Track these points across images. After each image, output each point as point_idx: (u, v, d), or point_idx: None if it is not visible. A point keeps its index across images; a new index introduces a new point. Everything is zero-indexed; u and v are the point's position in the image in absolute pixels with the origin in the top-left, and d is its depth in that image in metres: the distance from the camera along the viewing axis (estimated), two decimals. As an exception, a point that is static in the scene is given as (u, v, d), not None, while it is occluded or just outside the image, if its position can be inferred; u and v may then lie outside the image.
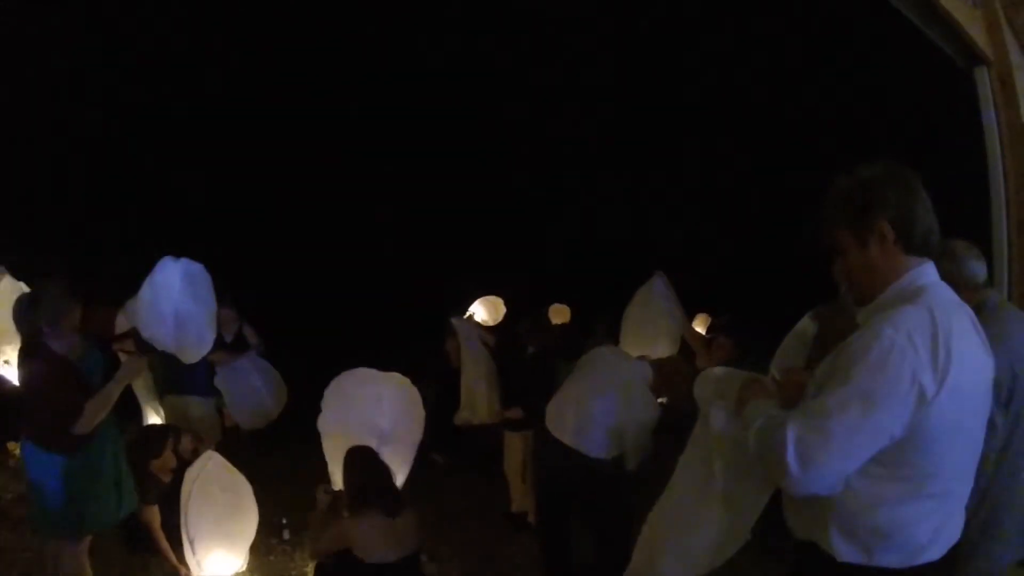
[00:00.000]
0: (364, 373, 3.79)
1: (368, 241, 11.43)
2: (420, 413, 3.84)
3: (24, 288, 4.06)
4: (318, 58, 10.95)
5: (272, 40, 10.73)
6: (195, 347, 3.69)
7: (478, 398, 4.90)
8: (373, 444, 3.52)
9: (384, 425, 3.66)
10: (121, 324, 4.24)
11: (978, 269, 2.40)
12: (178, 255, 3.71)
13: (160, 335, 3.53)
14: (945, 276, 1.73)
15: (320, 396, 3.76)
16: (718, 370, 2.11)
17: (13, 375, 3.90)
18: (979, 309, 2.15)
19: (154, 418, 4.95)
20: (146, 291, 3.51)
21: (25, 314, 3.24)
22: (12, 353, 3.99)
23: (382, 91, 11.49)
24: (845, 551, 1.65)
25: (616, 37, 10.89)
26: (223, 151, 10.46)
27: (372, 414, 3.66)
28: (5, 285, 4.14)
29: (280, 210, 11.11)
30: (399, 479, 3.61)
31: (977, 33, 3.27)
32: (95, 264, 7.57)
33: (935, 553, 1.64)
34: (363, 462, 3.35)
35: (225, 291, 4.13)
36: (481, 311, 6.02)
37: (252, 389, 5.14)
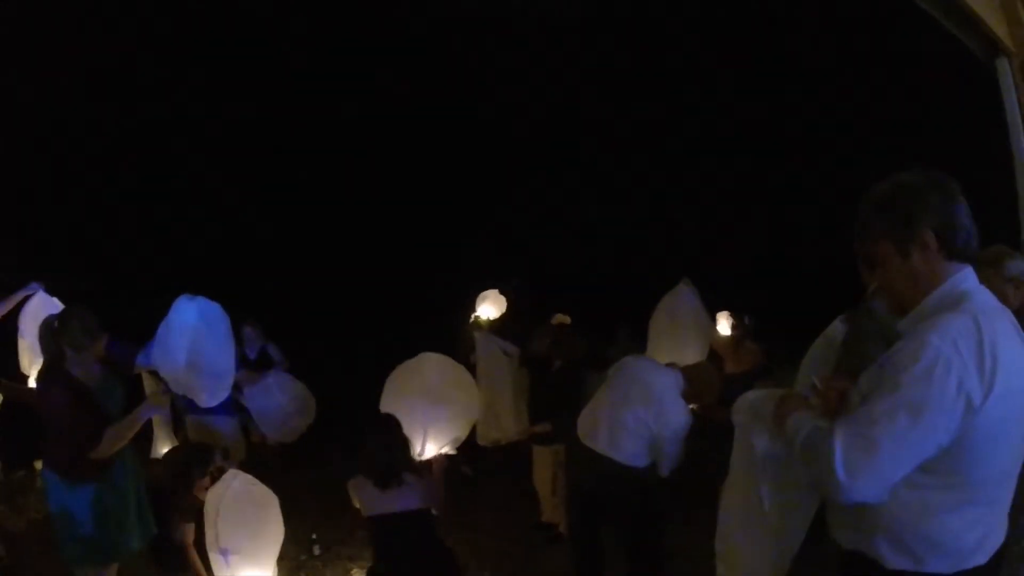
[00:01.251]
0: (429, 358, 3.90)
1: (376, 250, 11.51)
2: (474, 406, 3.96)
3: (58, 305, 4.14)
4: (325, 69, 11.10)
5: (272, 49, 10.87)
6: (210, 390, 3.56)
7: (503, 414, 4.86)
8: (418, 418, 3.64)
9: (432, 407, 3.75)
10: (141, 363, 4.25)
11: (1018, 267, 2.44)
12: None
13: (173, 376, 3.42)
14: (983, 280, 1.74)
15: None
16: (751, 394, 2.12)
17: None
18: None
19: (165, 444, 5.04)
20: (161, 330, 3.41)
21: (50, 336, 3.28)
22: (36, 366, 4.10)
23: (383, 95, 11.58)
24: (893, 559, 1.69)
25: (632, 33, 10.90)
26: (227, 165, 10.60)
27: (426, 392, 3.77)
28: (38, 302, 4.21)
29: (288, 223, 11.24)
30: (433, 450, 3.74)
31: (997, 24, 3.27)
32: (126, 294, 7.69)
33: (982, 558, 1.67)
34: (379, 430, 3.44)
35: (248, 310, 4.20)
36: (488, 309, 6.00)
37: (278, 406, 5.19)
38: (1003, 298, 1.97)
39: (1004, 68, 3.31)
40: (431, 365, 3.87)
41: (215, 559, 3.59)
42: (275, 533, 3.78)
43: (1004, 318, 1.67)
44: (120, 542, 3.36)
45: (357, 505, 3.45)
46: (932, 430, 1.53)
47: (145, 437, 4.72)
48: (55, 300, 4.24)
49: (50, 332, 3.30)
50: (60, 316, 3.36)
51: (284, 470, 5.07)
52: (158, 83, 10.17)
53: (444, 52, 11.33)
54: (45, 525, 4.64)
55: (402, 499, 3.32)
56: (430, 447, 3.71)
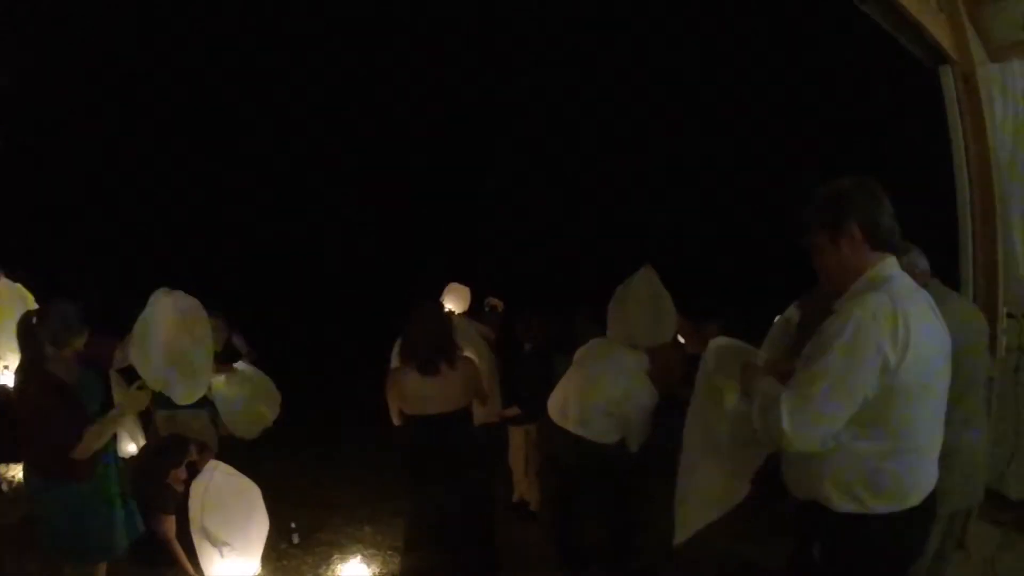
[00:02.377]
0: None
1: (342, 240, 11.48)
2: None
3: (21, 290, 4.05)
4: (302, 63, 10.97)
5: (257, 45, 10.70)
6: (188, 387, 3.46)
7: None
8: None
9: None
10: (118, 359, 4.19)
11: (923, 262, 2.85)
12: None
13: (149, 372, 3.30)
14: (905, 268, 2.14)
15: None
16: (720, 340, 2.58)
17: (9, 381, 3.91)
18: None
19: (130, 443, 4.99)
20: (138, 325, 3.29)
21: (30, 331, 3.20)
22: (10, 358, 4.00)
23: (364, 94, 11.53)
24: (840, 503, 2.04)
25: (601, 31, 11.11)
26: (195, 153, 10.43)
27: None
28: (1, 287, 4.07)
29: (251, 214, 11.10)
30: None
31: (941, 33, 3.54)
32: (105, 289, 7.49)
33: (916, 500, 2.04)
34: (422, 319, 3.53)
35: (214, 301, 4.15)
36: (451, 300, 6.11)
37: (244, 399, 5.11)
38: None
39: (947, 75, 3.60)
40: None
41: (204, 551, 3.66)
42: (259, 522, 3.85)
43: (919, 297, 2.07)
44: (107, 542, 3.32)
45: (395, 405, 3.53)
46: (858, 385, 1.91)
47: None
48: (17, 285, 4.12)
49: (29, 327, 3.20)
50: (40, 311, 3.26)
51: (254, 461, 5.07)
52: (134, 77, 9.87)
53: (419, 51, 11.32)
54: (17, 531, 4.62)
55: (449, 388, 3.43)
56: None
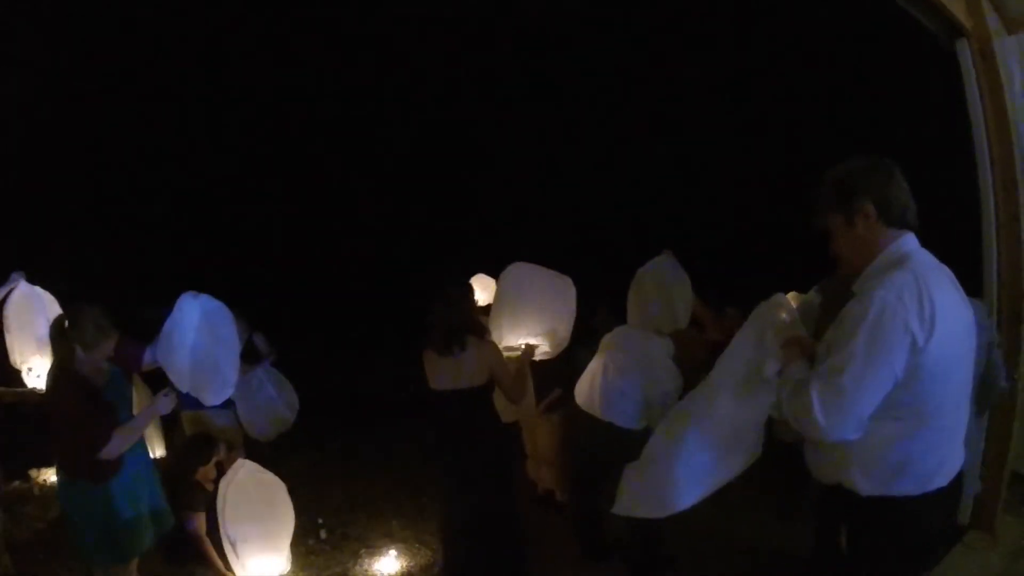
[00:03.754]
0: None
1: (354, 239, 11.58)
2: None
3: (42, 295, 4.13)
4: (311, 63, 11.07)
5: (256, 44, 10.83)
6: (215, 389, 3.51)
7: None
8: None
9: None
10: (147, 362, 4.26)
11: None
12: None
13: (176, 374, 3.40)
14: None
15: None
16: (779, 298, 2.42)
17: (37, 384, 4.01)
18: None
19: (156, 442, 5.09)
20: (166, 328, 3.39)
21: (62, 334, 3.27)
22: (34, 361, 4.10)
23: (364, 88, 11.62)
24: (867, 486, 2.02)
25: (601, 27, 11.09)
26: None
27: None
28: (21, 293, 4.12)
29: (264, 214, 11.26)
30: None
31: (957, 7, 3.50)
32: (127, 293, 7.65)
33: (942, 480, 2.02)
34: (448, 301, 3.64)
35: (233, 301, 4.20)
36: (479, 291, 6.11)
37: (268, 399, 5.20)
38: None
39: (964, 50, 3.56)
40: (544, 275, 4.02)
41: (228, 548, 3.76)
42: (286, 519, 3.93)
43: (942, 273, 2.04)
44: (136, 540, 3.40)
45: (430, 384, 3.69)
46: (887, 366, 1.88)
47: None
48: (38, 289, 4.18)
49: (61, 330, 3.27)
50: (71, 314, 3.31)
51: (279, 458, 5.17)
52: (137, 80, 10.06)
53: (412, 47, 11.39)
54: (48, 533, 4.75)
55: (465, 367, 3.55)
56: (515, 335, 3.90)
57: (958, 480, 2.07)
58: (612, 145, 12.15)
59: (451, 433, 3.69)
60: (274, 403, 5.23)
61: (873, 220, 2.04)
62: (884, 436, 1.96)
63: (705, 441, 2.35)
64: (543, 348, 3.94)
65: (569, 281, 4.01)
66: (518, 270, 4.00)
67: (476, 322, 3.73)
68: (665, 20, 10.65)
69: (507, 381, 3.67)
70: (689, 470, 2.37)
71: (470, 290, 3.85)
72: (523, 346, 3.88)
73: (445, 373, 3.60)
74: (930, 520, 2.06)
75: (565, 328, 3.97)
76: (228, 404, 5.04)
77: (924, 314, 1.87)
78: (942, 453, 2.02)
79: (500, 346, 3.81)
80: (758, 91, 10.64)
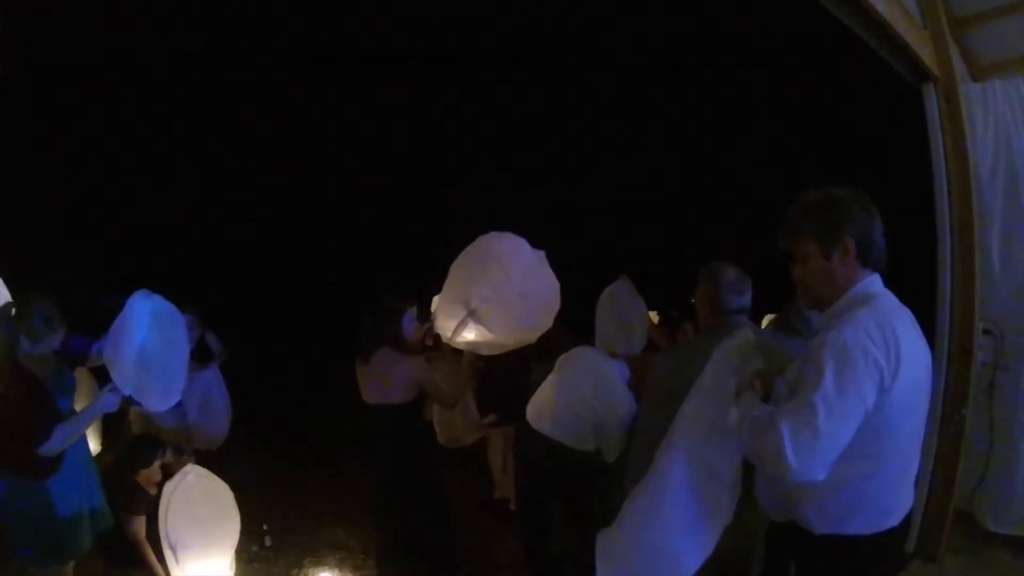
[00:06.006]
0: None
1: (306, 241, 11.53)
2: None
3: None
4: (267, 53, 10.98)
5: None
6: (159, 394, 3.39)
7: (455, 416, 4.88)
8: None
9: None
10: (92, 358, 3.96)
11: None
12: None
13: (120, 375, 3.24)
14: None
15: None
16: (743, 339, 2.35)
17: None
18: None
19: (94, 442, 4.92)
20: (115, 326, 3.24)
21: (7, 323, 3.14)
22: None
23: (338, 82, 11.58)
24: (820, 524, 2.05)
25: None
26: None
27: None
28: None
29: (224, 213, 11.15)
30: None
31: (925, 52, 3.66)
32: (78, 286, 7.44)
33: (895, 520, 2.06)
34: (369, 311, 3.64)
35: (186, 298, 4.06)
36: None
37: (213, 405, 5.04)
38: None
39: (930, 93, 3.73)
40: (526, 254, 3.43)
41: (168, 554, 3.67)
42: (231, 526, 3.88)
43: (904, 316, 2.05)
44: (75, 540, 3.30)
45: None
46: (860, 403, 1.87)
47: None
48: None
49: (5, 319, 3.14)
50: (19, 302, 3.20)
51: (225, 463, 5.06)
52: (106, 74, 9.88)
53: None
54: None
55: (391, 381, 3.52)
56: (469, 330, 3.36)
57: (906, 522, 2.12)
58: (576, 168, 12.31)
59: (379, 448, 3.70)
60: (217, 409, 5.07)
61: (851, 257, 2.01)
62: (842, 476, 1.93)
63: (691, 495, 2.25)
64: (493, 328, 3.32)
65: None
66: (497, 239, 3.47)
67: (399, 334, 3.59)
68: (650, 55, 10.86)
69: (437, 393, 3.69)
70: (686, 528, 2.27)
71: (406, 306, 3.63)
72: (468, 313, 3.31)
73: (372, 385, 3.61)
74: (882, 557, 2.09)
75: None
76: (179, 404, 4.91)
77: (890, 353, 1.88)
78: (897, 493, 2.06)
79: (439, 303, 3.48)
80: (731, 120, 10.91)
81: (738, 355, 2.27)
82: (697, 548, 2.27)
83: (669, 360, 3.22)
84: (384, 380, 3.56)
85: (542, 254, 3.46)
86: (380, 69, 11.78)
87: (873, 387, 1.87)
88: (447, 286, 3.46)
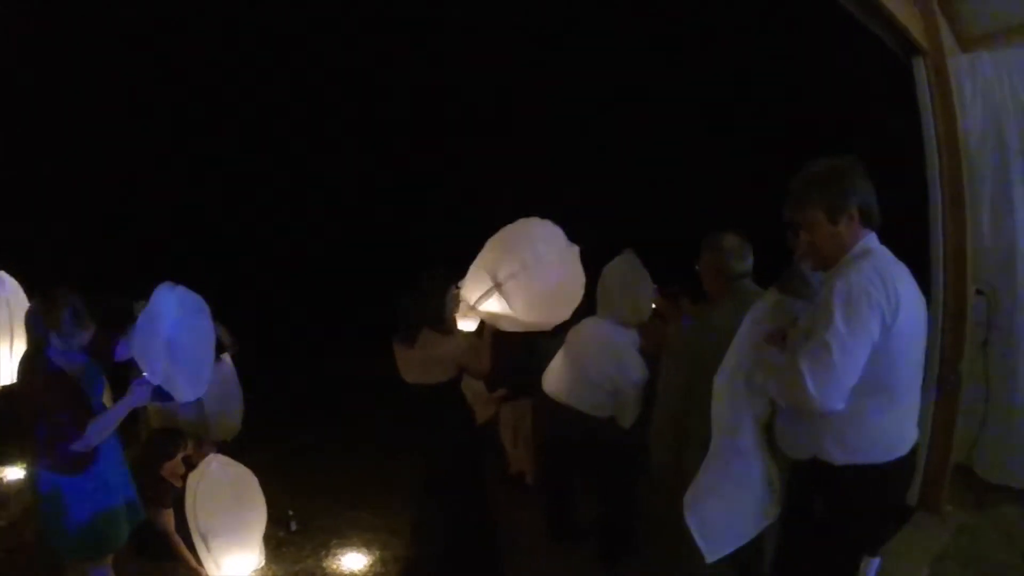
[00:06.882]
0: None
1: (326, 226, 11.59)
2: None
3: (5, 280, 4.02)
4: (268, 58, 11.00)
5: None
6: (190, 384, 3.43)
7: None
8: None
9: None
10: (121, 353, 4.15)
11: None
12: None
13: (151, 368, 3.29)
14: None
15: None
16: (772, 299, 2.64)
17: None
18: None
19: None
20: (142, 320, 3.27)
21: (37, 321, 3.19)
22: None
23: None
24: (841, 456, 2.30)
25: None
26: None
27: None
28: None
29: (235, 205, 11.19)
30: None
31: (914, 26, 3.77)
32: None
33: (904, 449, 2.34)
34: (416, 291, 3.69)
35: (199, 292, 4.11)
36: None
37: (229, 396, 5.04)
38: None
39: (920, 67, 3.86)
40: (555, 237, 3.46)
41: (199, 544, 3.78)
42: (258, 512, 3.97)
43: (901, 268, 2.33)
44: (112, 534, 3.35)
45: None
46: (866, 335, 2.15)
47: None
48: (2, 274, 4.06)
49: (36, 317, 3.20)
50: (48, 301, 3.21)
51: (247, 450, 5.14)
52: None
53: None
54: (9, 532, 4.61)
55: (431, 360, 3.61)
56: (492, 302, 3.37)
57: (914, 453, 2.38)
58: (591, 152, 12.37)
59: (429, 428, 3.78)
60: (233, 401, 5.07)
61: (856, 222, 2.28)
62: (856, 410, 2.20)
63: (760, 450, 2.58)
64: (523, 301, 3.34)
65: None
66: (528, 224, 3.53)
67: (441, 315, 3.68)
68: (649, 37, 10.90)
69: (475, 368, 3.71)
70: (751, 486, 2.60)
71: (446, 283, 3.72)
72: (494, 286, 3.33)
73: (412, 365, 3.69)
74: (895, 484, 2.39)
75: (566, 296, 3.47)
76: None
77: (890, 297, 2.14)
78: (905, 426, 2.35)
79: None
80: (724, 95, 11.00)
81: (771, 318, 2.55)
82: (772, 497, 2.61)
83: (692, 325, 3.40)
84: (428, 361, 3.64)
85: (576, 249, 3.52)
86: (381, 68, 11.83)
87: (877, 323, 2.13)
88: (480, 256, 3.51)
